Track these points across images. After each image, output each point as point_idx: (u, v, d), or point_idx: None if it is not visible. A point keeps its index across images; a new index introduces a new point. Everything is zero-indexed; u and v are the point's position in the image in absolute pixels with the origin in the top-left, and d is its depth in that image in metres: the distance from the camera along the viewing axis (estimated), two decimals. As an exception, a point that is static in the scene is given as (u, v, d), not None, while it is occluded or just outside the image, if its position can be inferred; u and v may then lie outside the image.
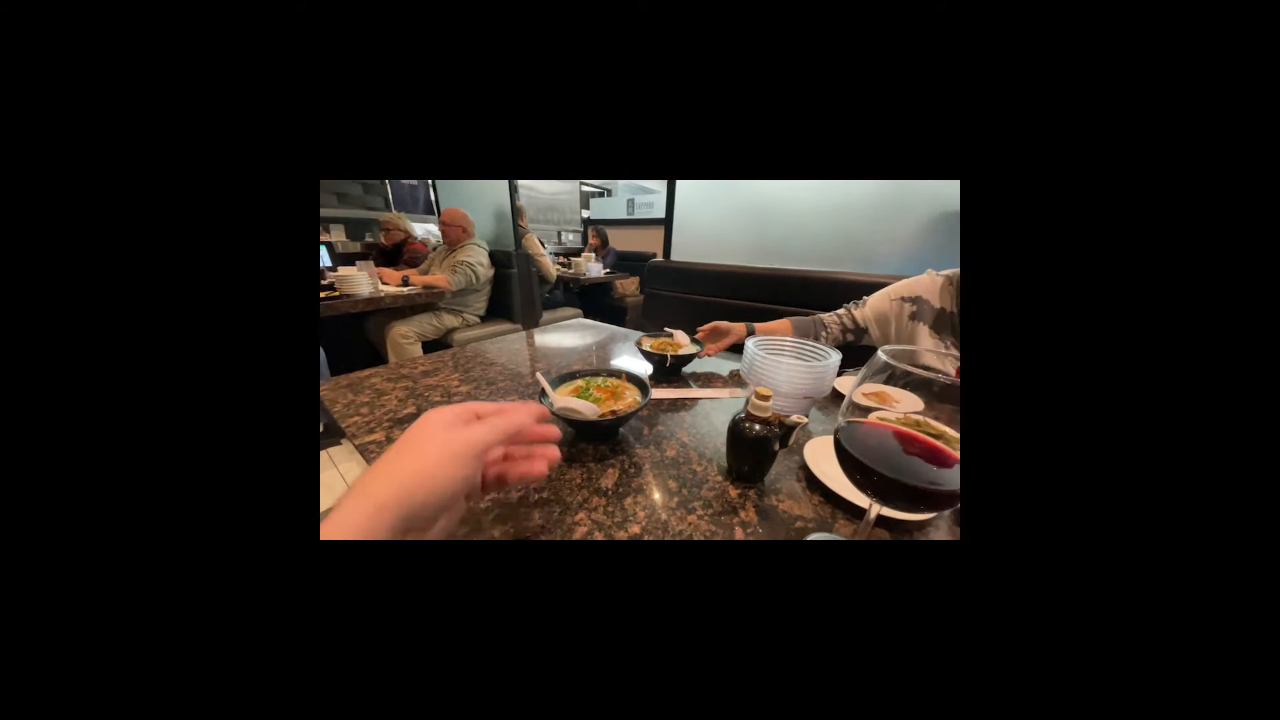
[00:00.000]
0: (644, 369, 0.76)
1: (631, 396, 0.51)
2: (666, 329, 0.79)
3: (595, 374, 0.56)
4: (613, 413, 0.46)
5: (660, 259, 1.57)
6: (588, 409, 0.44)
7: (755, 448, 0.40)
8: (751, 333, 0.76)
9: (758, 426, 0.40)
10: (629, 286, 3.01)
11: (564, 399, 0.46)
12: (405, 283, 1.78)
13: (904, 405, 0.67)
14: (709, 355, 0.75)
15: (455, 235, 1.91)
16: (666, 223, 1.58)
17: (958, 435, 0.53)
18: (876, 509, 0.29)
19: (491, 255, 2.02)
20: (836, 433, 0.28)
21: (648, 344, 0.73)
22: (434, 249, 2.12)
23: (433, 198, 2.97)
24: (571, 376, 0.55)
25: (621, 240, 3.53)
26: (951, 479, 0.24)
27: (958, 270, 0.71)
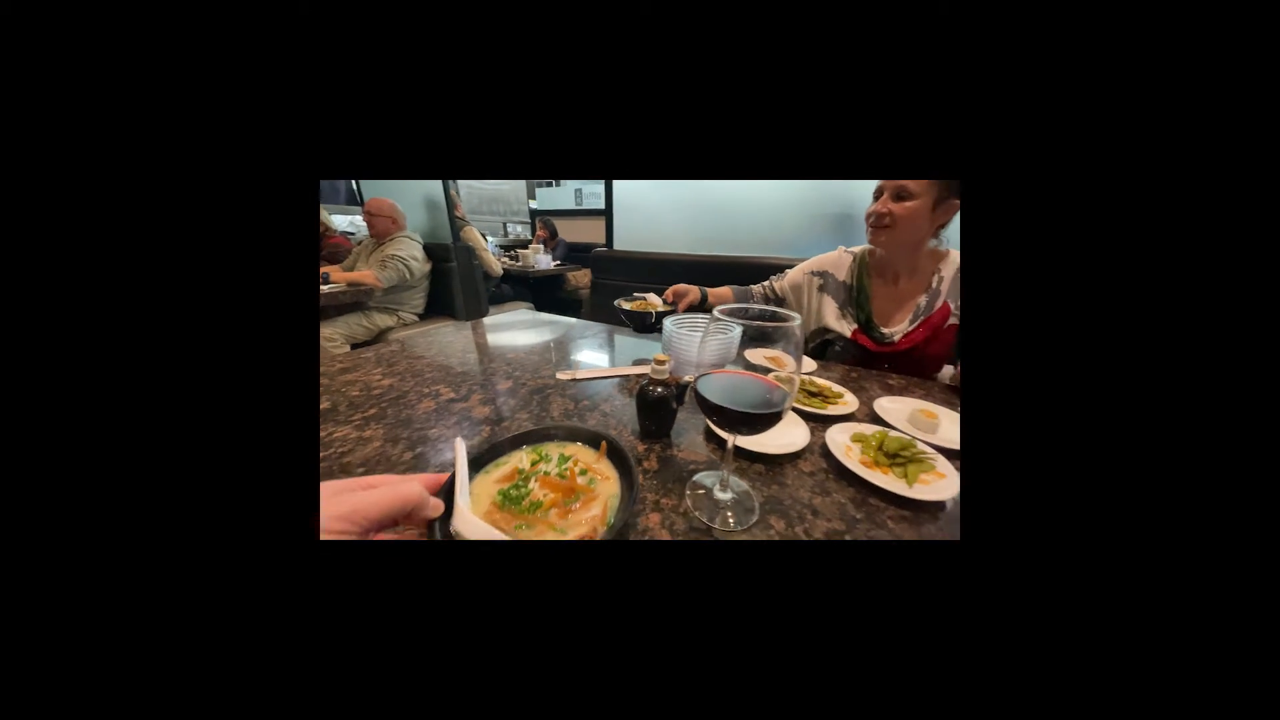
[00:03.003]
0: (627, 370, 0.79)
1: (605, 496, 0.30)
2: (636, 294, 0.89)
3: (548, 437, 0.35)
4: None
5: (604, 249, 1.59)
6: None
7: (657, 407, 0.46)
8: (704, 295, 0.89)
9: (659, 389, 0.45)
10: (582, 278, 2.99)
11: (476, 524, 0.24)
12: (325, 280, 1.63)
13: (804, 367, 0.77)
14: (680, 313, 0.82)
15: (384, 227, 1.78)
16: (607, 214, 1.60)
17: (832, 388, 0.63)
18: (732, 440, 0.35)
19: (427, 249, 1.90)
20: (695, 381, 0.34)
21: (628, 305, 0.84)
22: (359, 243, 1.95)
23: (355, 187, 2.70)
24: (504, 448, 0.34)
25: (572, 231, 3.48)
26: (773, 403, 0.31)
27: (865, 247, 0.82)
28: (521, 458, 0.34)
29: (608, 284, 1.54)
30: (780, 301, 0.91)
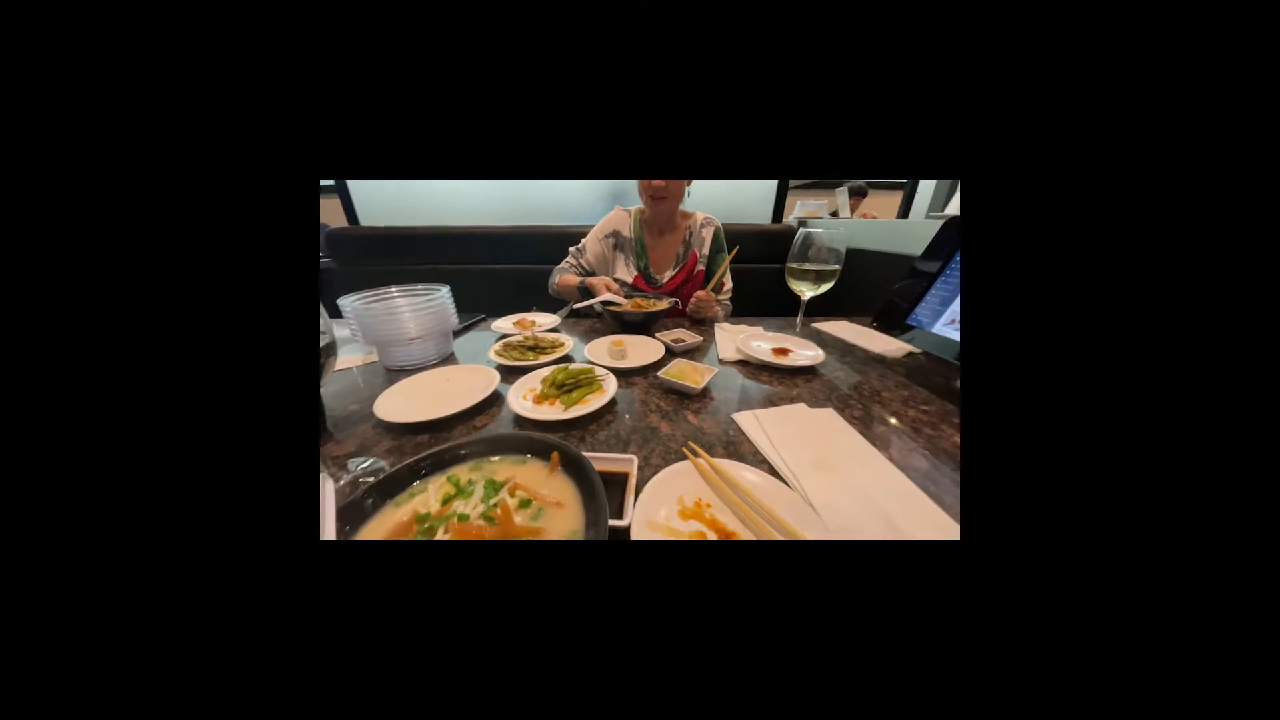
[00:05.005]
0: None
1: (563, 535, 0.22)
2: (607, 295, 0.76)
3: (465, 456, 0.25)
4: None
5: (343, 228, 1.25)
6: None
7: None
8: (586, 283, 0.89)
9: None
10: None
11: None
12: None
13: (543, 325, 0.75)
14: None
15: None
16: (339, 186, 1.25)
17: (554, 339, 0.61)
18: None
19: None
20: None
21: (624, 305, 0.73)
22: None
23: None
24: (401, 480, 0.24)
25: (335, 214, 2.66)
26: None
27: (638, 207, 0.95)
28: (428, 494, 0.23)
29: (359, 271, 1.23)
30: (591, 273, 0.96)
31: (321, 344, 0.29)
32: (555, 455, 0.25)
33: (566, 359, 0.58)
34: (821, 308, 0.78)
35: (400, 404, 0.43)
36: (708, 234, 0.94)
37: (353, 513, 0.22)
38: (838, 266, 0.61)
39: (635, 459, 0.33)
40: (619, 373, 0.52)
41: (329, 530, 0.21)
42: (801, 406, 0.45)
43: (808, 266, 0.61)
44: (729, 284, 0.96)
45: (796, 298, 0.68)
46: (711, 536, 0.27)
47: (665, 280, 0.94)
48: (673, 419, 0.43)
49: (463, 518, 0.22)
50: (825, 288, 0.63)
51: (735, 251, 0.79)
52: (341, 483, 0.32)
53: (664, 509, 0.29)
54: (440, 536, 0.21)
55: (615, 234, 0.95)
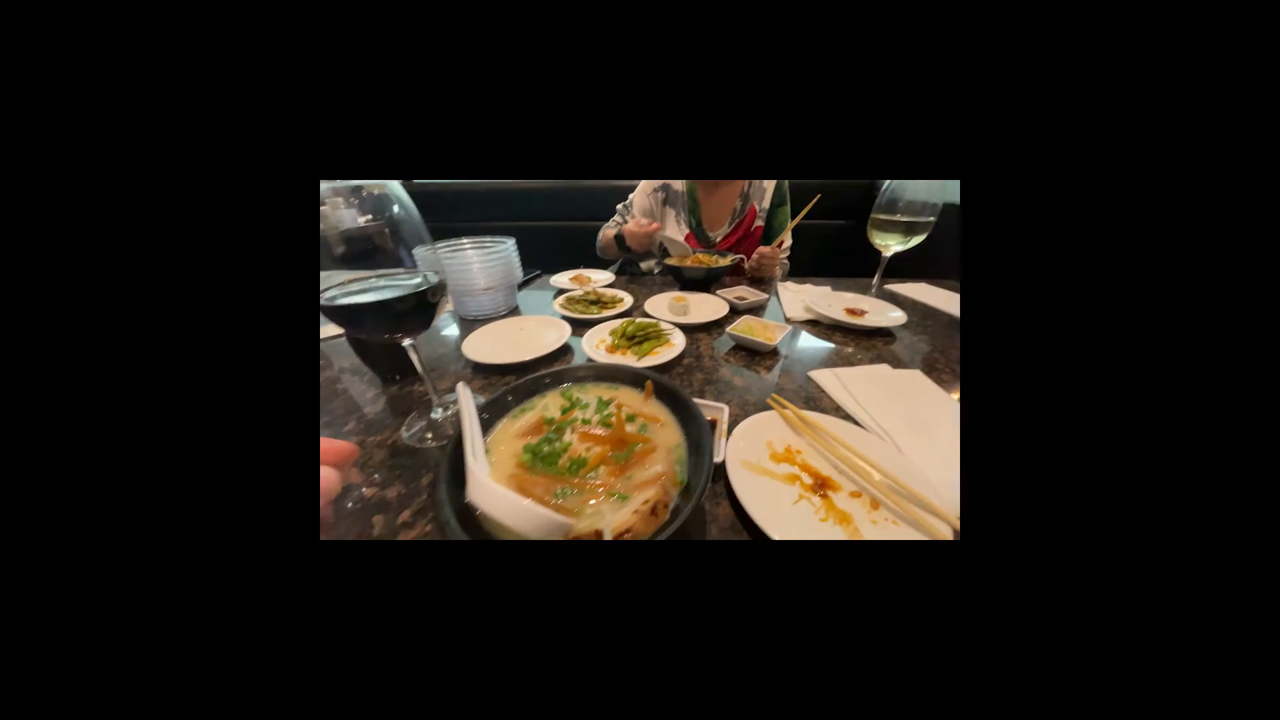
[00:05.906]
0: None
1: (667, 447, 0.23)
2: (665, 250, 0.77)
3: (571, 379, 0.28)
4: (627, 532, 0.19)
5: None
6: (542, 524, 0.19)
7: (365, 342, 0.39)
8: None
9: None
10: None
11: (502, 495, 0.19)
12: None
13: (600, 281, 0.76)
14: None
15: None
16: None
17: (615, 295, 0.62)
18: (408, 343, 0.33)
19: None
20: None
21: (677, 261, 0.70)
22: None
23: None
24: (522, 393, 0.27)
25: (384, 176, 2.74)
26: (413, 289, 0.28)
27: None
28: (547, 405, 0.26)
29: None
30: None
31: (435, 281, 0.31)
32: (649, 384, 0.27)
33: (627, 314, 0.58)
34: (897, 269, 0.71)
35: (485, 347, 0.46)
36: (769, 185, 0.86)
37: (497, 407, 0.26)
38: (932, 218, 0.54)
39: (726, 407, 0.33)
40: (682, 328, 0.52)
41: (474, 425, 0.22)
42: (885, 367, 0.43)
43: (898, 218, 0.55)
44: (788, 241, 0.88)
45: (862, 257, 0.62)
46: (806, 479, 0.27)
47: (719, 239, 0.87)
48: (745, 375, 0.43)
49: (586, 422, 0.25)
50: (915, 241, 0.57)
51: (815, 200, 0.70)
52: (449, 412, 0.36)
53: (755, 453, 0.29)
54: (567, 438, 0.24)
55: (665, 186, 0.88)
